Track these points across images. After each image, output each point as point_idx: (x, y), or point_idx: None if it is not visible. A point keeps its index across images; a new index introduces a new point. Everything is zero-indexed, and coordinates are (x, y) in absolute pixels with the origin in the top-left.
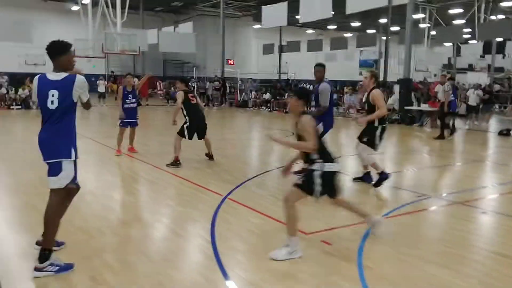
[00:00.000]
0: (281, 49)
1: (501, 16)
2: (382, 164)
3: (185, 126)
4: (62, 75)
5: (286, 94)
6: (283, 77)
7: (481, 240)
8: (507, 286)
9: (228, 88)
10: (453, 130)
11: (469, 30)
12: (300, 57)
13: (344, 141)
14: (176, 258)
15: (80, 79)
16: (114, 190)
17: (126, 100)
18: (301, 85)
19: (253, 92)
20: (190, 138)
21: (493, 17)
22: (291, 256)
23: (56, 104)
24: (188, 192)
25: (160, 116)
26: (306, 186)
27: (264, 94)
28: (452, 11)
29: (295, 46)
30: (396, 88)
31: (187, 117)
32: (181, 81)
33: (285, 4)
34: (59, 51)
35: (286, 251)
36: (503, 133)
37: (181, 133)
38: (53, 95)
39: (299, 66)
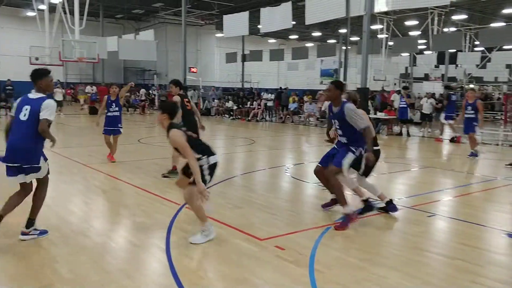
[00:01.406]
0: (244, 58)
1: (452, 29)
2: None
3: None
4: (38, 95)
5: (249, 102)
6: (247, 85)
7: (427, 243)
8: (449, 286)
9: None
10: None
11: (424, 41)
12: (263, 66)
13: (307, 149)
14: (130, 268)
15: (48, 101)
16: (68, 200)
17: (110, 109)
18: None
19: (215, 100)
20: None
21: (445, 29)
22: (208, 238)
23: (27, 117)
24: (144, 202)
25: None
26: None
27: (226, 102)
28: (408, 23)
29: (257, 55)
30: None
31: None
32: (175, 84)
33: (247, 14)
34: (38, 77)
35: (201, 235)
36: (453, 140)
37: None
38: (26, 109)
39: (262, 75)
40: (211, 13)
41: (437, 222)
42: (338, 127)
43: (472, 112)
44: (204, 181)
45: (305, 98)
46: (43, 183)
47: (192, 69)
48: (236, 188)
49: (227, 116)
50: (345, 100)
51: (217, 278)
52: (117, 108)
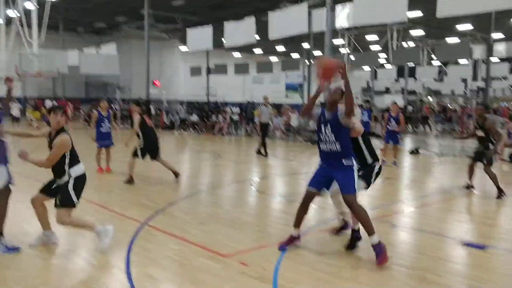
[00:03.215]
0: (209, 72)
1: (411, 44)
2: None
3: (138, 147)
4: None
5: (213, 115)
6: (212, 99)
7: (390, 254)
8: None
9: (153, 110)
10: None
11: (384, 55)
12: (228, 79)
13: (273, 162)
14: None
15: None
16: (23, 219)
17: (102, 124)
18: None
19: (179, 114)
20: (143, 157)
21: (404, 44)
22: (109, 236)
23: None
24: (104, 220)
25: (80, 140)
26: (63, 202)
27: (191, 116)
28: (369, 38)
29: (222, 68)
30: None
31: (142, 140)
32: (136, 104)
33: (210, 28)
34: None
35: (104, 240)
36: (413, 152)
37: (134, 154)
38: None
39: (228, 88)
40: (175, 27)
41: (399, 233)
42: (329, 133)
43: (396, 125)
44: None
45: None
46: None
47: (156, 83)
48: (201, 204)
49: (192, 130)
50: None
51: None
52: (108, 124)
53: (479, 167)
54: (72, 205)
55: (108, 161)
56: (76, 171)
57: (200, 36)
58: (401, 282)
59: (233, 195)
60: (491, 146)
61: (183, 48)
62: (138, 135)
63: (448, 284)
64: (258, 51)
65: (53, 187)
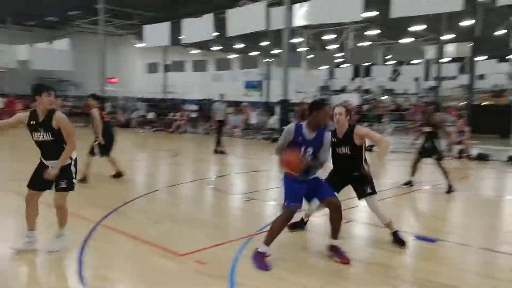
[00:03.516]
0: (166, 69)
1: (367, 43)
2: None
3: (95, 144)
4: None
5: (172, 114)
6: (170, 96)
7: (346, 249)
8: (357, 285)
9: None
10: None
11: (341, 55)
12: (186, 77)
13: (232, 160)
14: None
15: None
16: None
17: None
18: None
19: (136, 112)
20: (102, 155)
21: (360, 44)
22: (65, 241)
23: None
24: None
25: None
26: (70, 186)
27: (148, 114)
28: (326, 37)
29: (180, 65)
30: (277, 109)
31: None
32: (94, 98)
33: (168, 24)
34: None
35: (59, 241)
36: (368, 149)
37: (91, 152)
38: None
39: (185, 86)
40: (131, 23)
41: (354, 228)
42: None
43: None
44: (72, 186)
45: (230, 110)
46: None
47: (112, 80)
48: (158, 203)
49: (149, 127)
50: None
51: None
52: None
53: (427, 163)
54: (73, 188)
55: None
56: None
57: (157, 33)
58: (355, 275)
59: (191, 194)
60: (437, 142)
61: (139, 44)
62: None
63: (401, 277)
64: (216, 48)
65: (44, 177)
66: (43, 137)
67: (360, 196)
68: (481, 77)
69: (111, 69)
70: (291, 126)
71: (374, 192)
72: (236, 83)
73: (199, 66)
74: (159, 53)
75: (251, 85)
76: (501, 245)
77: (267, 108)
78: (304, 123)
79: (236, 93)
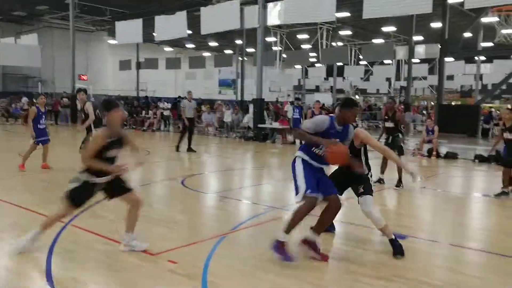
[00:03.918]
0: (139, 66)
1: (340, 43)
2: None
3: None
4: None
5: (144, 111)
6: (142, 94)
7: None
8: (330, 283)
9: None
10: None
11: (314, 54)
12: (159, 74)
13: (206, 159)
14: None
15: None
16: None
17: (41, 121)
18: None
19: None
20: None
21: (333, 44)
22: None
23: None
24: (24, 221)
25: (5, 137)
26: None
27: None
28: (300, 37)
29: (153, 63)
30: (251, 107)
31: (94, 132)
32: (85, 92)
33: (140, 21)
34: None
35: (27, 238)
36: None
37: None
38: None
39: (159, 83)
40: (103, 19)
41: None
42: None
43: None
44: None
45: (203, 108)
46: None
47: (82, 77)
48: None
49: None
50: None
51: None
52: (44, 120)
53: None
54: None
55: (45, 157)
56: None
57: (129, 29)
58: (326, 273)
59: (163, 193)
60: (400, 136)
61: (111, 41)
62: (90, 127)
63: (373, 274)
64: (190, 46)
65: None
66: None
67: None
68: (450, 77)
69: (82, 66)
70: (325, 117)
71: (367, 192)
72: (210, 81)
73: (172, 63)
74: (132, 50)
75: (225, 83)
76: (469, 242)
77: (241, 106)
78: (333, 117)
79: (210, 91)
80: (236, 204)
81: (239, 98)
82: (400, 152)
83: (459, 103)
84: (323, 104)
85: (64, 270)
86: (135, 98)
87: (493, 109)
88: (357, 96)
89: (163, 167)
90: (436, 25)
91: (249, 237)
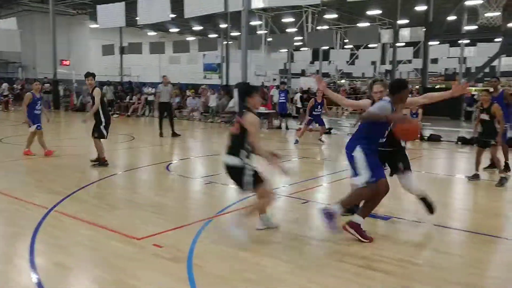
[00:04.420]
0: (122, 51)
1: (325, 27)
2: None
3: (101, 127)
4: None
5: (128, 97)
6: (126, 79)
7: (301, 229)
8: (317, 266)
9: (62, 90)
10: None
11: (300, 38)
12: (143, 59)
13: (192, 144)
14: None
15: None
16: None
17: (36, 107)
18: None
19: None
20: (107, 136)
21: (319, 28)
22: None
23: None
24: (7, 208)
25: None
26: None
27: (104, 97)
28: (285, 20)
29: (136, 47)
30: (236, 92)
31: (103, 118)
32: (94, 76)
33: (123, 4)
34: None
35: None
36: (326, 132)
37: (100, 135)
38: None
39: (143, 68)
40: (84, 2)
41: (310, 208)
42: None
43: (321, 109)
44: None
45: (188, 93)
46: None
47: (64, 62)
48: (115, 188)
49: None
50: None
51: (92, 284)
52: (40, 105)
53: None
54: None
55: (30, 144)
56: None
57: (111, 13)
58: (310, 254)
59: (149, 178)
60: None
61: (93, 25)
62: (98, 113)
63: (354, 253)
64: (174, 30)
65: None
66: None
67: (392, 172)
68: (434, 61)
69: (63, 51)
70: (387, 103)
71: (408, 168)
72: (194, 66)
73: (156, 48)
74: (115, 34)
75: (210, 68)
76: (452, 222)
77: (227, 91)
78: (389, 100)
79: (195, 76)
80: (222, 189)
81: (224, 83)
82: None
83: (443, 86)
84: (308, 89)
85: (48, 255)
86: (119, 83)
87: (476, 92)
88: (342, 80)
89: (148, 152)
90: (421, 8)
91: (236, 221)
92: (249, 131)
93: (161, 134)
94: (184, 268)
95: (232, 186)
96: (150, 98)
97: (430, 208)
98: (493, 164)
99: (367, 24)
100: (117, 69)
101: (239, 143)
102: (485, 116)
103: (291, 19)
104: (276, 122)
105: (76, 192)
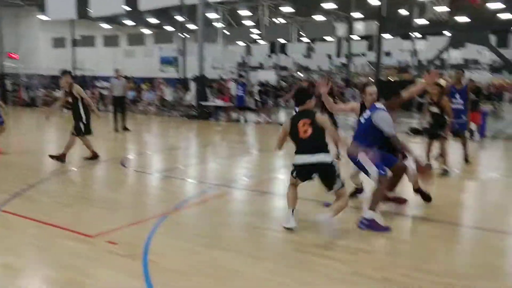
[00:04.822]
0: (74, 44)
1: (282, 20)
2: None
3: (81, 124)
4: None
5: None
6: (79, 73)
7: (259, 220)
8: (273, 257)
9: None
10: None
11: (257, 31)
12: (97, 53)
13: (148, 139)
14: None
15: None
16: None
17: None
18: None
19: (41, 90)
20: (90, 132)
21: (276, 21)
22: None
23: None
24: None
25: None
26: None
27: (54, 92)
28: (242, 13)
29: (90, 40)
30: (193, 85)
31: (84, 115)
32: (70, 74)
33: None
34: None
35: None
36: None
37: (87, 131)
38: None
39: (97, 62)
40: None
41: (269, 200)
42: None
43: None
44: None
45: (144, 86)
46: None
47: (12, 55)
48: (67, 185)
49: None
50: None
51: (43, 285)
52: None
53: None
54: None
55: None
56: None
57: (61, 4)
58: (266, 245)
59: (103, 174)
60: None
61: (43, 17)
62: (78, 109)
63: (309, 241)
64: (129, 23)
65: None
66: None
67: None
68: (387, 54)
69: (10, 44)
70: (386, 113)
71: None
72: (150, 59)
73: (110, 41)
74: (66, 27)
75: (166, 61)
76: (405, 210)
77: (184, 84)
78: (384, 106)
79: (151, 69)
80: (179, 183)
81: (181, 76)
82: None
83: (396, 78)
84: (266, 82)
85: None
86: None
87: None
88: (300, 73)
89: (102, 147)
90: (374, 2)
91: (192, 216)
92: (326, 127)
93: (115, 129)
94: (140, 265)
95: (190, 181)
96: (105, 92)
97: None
98: (442, 155)
99: (322, 17)
100: (69, 62)
101: (323, 141)
102: (434, 109)
103: (248, 13)
104: (234, 115)
105: (25, 191)
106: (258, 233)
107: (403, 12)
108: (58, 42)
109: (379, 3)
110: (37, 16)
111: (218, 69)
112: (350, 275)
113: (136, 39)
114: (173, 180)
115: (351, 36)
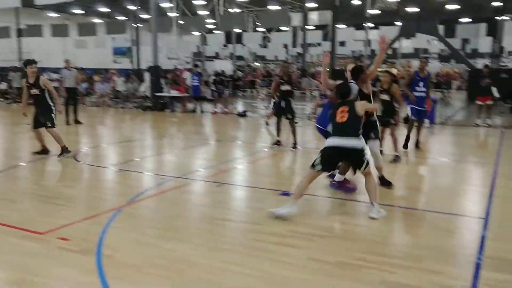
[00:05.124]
0: (20, 33)
1: (237, 10)
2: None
3: (52, 115)
4: None
5: None
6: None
7: (216, 211)
8: (231, 246)
9: None
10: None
11: (212, 21)
12: (45, 43)
13: (102, 131)
14: None
15: None
16: None
17: None
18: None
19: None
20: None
21: (231, 10)
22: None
23: None
24: None
25: None
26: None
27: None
28: (196, 2)
29: (36, 30)
30: (147, 76)
31: (53, 105)
32: (36, 63)
33: None
34: None
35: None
36: (241, 115)
37: (53, 123)
38: None
39: (46, 53)
40: None
41: (226, 191)
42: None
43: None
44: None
45: (96, 78)
46: None
47: None
48: (14, 181)
49: (2, 99)
50: None
51: None
52: None
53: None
54: None
55: None
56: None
57: None
58: (224, 235)
59: (54, 168)
60: (292, 102)
61: None
62: (46, 101)
63: (268, 230)
64: (78, 11)
65: None
66: None
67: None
68: (342, 44)
69: None
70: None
71: (376, 137)
72: (103, 50)
73: (59, 31)
74: (10, 15)
75: (120, 52)
76: (360, 196)
77: (138, 75)
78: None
79: (104, 60)
80: (135, 176)
81: (135, 67)
82: (292, 116)
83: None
84: (222, 71)
85: None
86: (17, 68)
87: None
88: (256, 63)
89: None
90: None
91: (148, 208)
92: (360, 114)
93: (67, 122)
94: (93, 260)
95: (146, 173)
96: (55, 84)
97: (388, 184)
98: (406, 141)
99: (277, 7)
100: (14, 54)
101: (357, 127)
102: (385, 97)
103: (202, 2)
104: (190, 106)
105: None
106: (215, 224)
107: (356, 2)
108: (2, 32)
109: None
110: None
111: (173, 59)
112: (305, 260)
113: (87, 29)
114: (129, 173)
115: (306, 26)
